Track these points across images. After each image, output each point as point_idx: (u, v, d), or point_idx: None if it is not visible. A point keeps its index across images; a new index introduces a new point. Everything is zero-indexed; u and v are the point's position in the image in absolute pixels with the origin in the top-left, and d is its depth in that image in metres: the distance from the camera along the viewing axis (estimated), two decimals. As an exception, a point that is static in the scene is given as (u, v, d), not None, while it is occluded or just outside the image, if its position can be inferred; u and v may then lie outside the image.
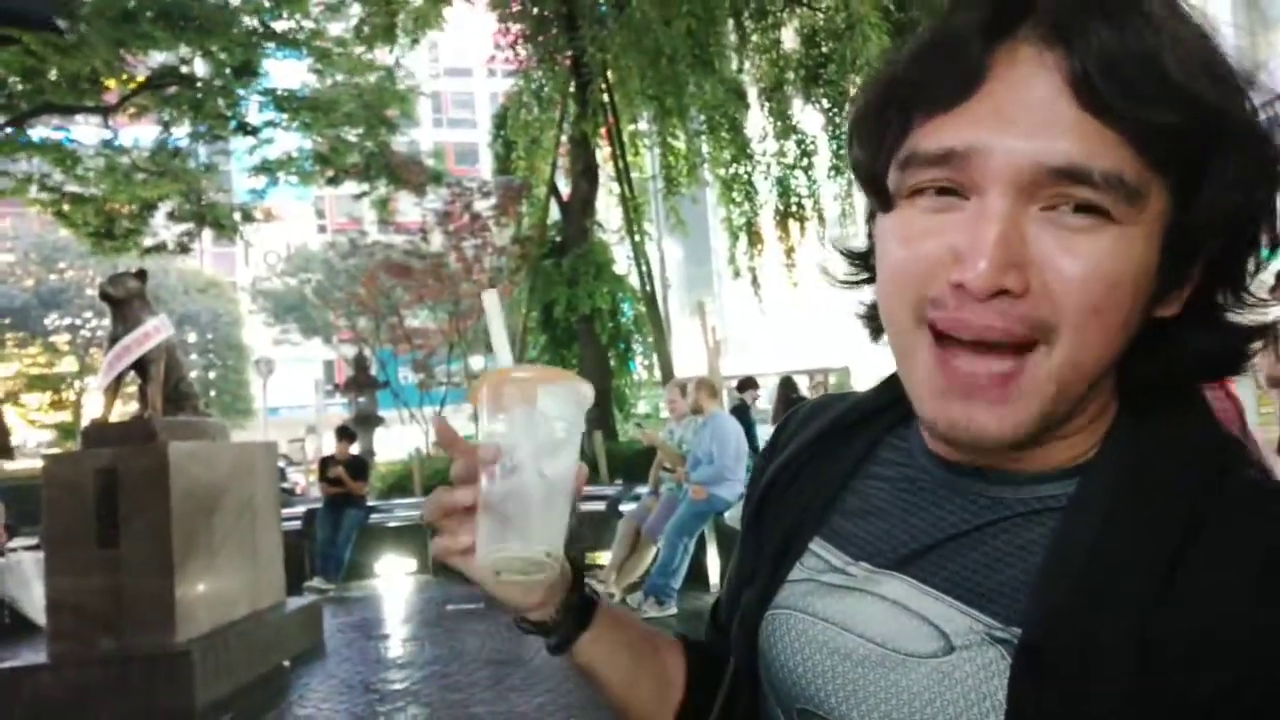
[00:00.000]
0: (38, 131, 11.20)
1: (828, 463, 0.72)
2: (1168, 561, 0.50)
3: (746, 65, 12.86)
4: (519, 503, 0.63)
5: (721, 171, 13.03)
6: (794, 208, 12.84)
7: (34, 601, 6.17)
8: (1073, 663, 0.50)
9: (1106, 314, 0.52)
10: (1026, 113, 0.51)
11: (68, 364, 26.71)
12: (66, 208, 11.88)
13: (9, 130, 10.66)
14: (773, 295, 13.49)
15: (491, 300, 0.80)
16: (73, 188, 11.76)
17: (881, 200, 0.59)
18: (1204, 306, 0.56)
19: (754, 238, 13.19)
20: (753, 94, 12.92)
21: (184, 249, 13.26)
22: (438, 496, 0.66)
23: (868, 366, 14.33)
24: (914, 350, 0.56)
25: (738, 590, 0.75)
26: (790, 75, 12.32)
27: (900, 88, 0.56)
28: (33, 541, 7.08)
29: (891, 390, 0.70)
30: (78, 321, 26.34)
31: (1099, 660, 0.49)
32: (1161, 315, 0.56)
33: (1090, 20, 0.49)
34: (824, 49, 11.84)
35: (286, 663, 5.49)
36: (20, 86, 10.33)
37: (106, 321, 5.67)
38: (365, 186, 13.35)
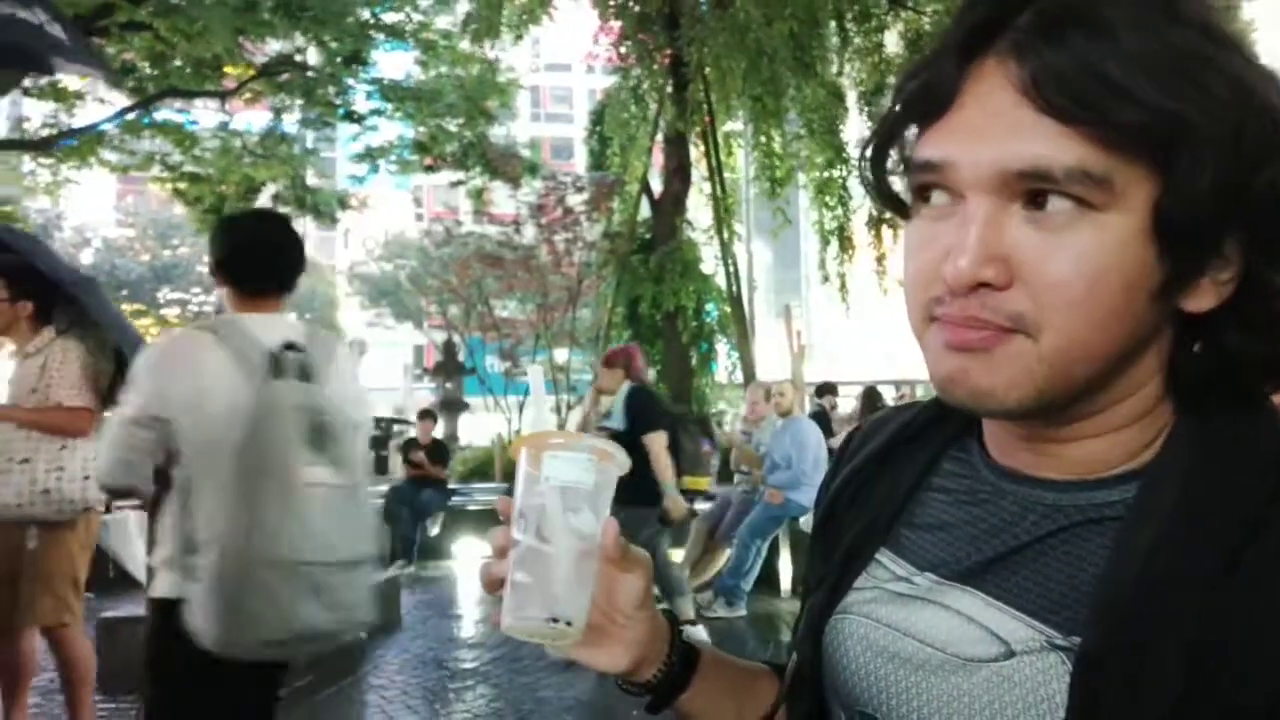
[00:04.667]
0: (161, 114, 11.80)
1: (891, 475, 0.73)
2: (1223, 569, 0.50)
3: (847, 68, 12.67)
4: (533, 569, 0.64)
5: (816, 174, 12.88)
6: (887, 214, 12.52)
7: (135, 558, 6.50)
8: (1130, 671, 0.50)
9: (1090, 308, 0.53)
10: (990, 122, 0.55)
11: (177, 335, 28.02)
12: (184, 186, 12.51)
13: (136, 111, 11.28)
14: (861, 302, 13.27)
15: (536, 374, 0.83)
16: (190, 168, 12.37)
17: (899, 212, 0.64)
18: (1237, 306, 0.56)
19: (845, 243, 13.00)
20: (851, 97, 12.73)
21: (285, 231, 13.74)
22: (485, 567, 0.69)
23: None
24: (926, 340, 0.59)
25: (804, 600, 0.76)
26: (892, 80, 12.06)
27: (900, 103, 0.62)
28: (137, 501, 7.46)
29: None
30: (187, 296, 27.65)
31: (1155, 669, 0.50)
32: (1194, 310, 0.56)
33: (1040, 37, 0.53)
34: (928, 54, 11.59)
35: (363, 635, 5.66)
36: (149, 71, 10.92)
37: (213, 297, 5.93)
38: (462, 175, 13.63)
